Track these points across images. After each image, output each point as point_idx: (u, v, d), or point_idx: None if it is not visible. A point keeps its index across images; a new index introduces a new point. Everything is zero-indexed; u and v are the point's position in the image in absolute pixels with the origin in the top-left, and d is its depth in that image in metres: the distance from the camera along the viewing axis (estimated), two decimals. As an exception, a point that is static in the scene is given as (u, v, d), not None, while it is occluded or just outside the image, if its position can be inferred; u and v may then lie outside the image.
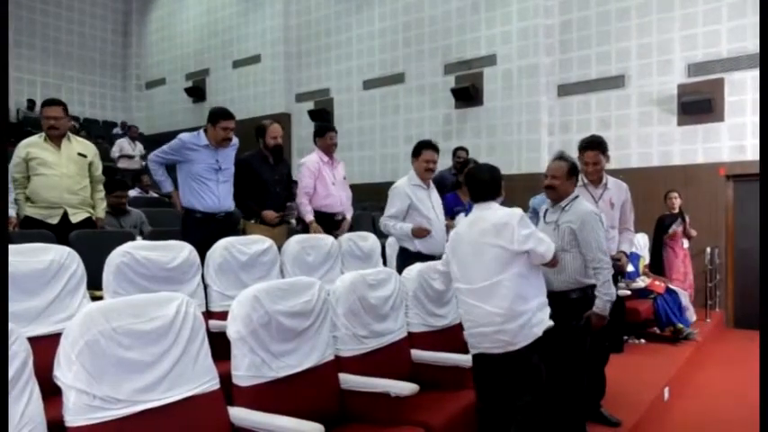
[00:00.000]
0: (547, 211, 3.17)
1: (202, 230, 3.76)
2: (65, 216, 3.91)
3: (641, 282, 5.84)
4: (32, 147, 3.90)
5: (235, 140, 4.02)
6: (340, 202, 4.62)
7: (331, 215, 4.55)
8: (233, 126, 3.92)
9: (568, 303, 2.95)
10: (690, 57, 7.40)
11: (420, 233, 3.76)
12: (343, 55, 10.45)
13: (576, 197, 3.07)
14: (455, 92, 8.93)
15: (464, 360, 2.83)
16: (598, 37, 8.06)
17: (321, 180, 4.53)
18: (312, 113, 10.53)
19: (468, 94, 8.84)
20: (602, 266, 2.90)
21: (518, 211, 2.53)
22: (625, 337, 5.54)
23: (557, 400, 2.92)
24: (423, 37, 9.49)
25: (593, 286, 2.95)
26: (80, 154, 4.04)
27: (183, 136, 3.93)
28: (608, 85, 7.98)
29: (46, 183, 3.86)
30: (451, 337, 3.20)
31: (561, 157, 3.13)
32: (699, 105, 7.23)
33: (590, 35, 8.12)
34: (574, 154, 3.29)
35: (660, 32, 7.60)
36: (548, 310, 2.57)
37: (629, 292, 5.10)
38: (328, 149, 4.63)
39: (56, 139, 3.93)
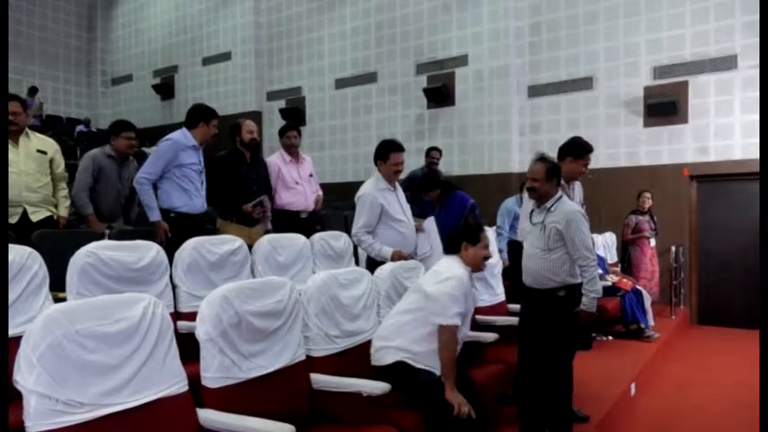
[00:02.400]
0: (533, 211, 3.20)
1: (180, 230, 3.71)
2: (24, 215, 3.79)
3: (609, 279, 5.95)
4: None
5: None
6: (305, 199, 4.64)
7: (295, 213, 4.57)
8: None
9: (556, 301, 3.04)
10: (655, 60, 7.57)
11: (399, 257, 3.60)
12: (315, 53, 10.39)
13: (560, 197, 3.11)
14: (427, 92, 8.97)
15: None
16: (567, 39, 8.18)
17: (281, 179, 4.57)
18: (284, 112, 10.44)
19: (440, 95, 8.88)
20: (589, 264, 2.99)
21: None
22: (593, 334, 5.64)
23: (544, 395, 3.02)
24: (395, 36, 9.50)
25: (579, 285, 3.06)
26: (39, 151, 3.91)
27: (173, 136, 3.88)
28: (577, 87, 8.11)
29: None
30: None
31: (540, 158, 3.17)
32: (664, 107, 7.41)
33: (559, 37, 8.24)
34: (550, 154, 3.32)
35: (627, 36, 7.76)
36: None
37: (600, 294, 5.17)
38: (289, 149, 4.67)
39: (14, 135, 3.80)
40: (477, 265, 2.85)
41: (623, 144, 7.81)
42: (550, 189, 3.10)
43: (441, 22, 9.02)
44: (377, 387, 2.41)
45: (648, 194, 6.96)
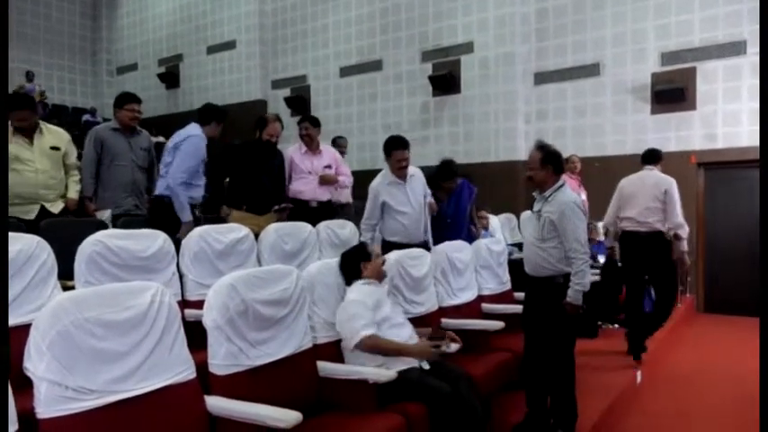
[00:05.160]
0: (535, 198, 3.19)
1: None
2: (42, 208, 3.85)
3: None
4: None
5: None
6: (314, 189, 4.68)
7: (305, 202, 4.62)
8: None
9: (554, 287, 3.04)
10: (663, 46, 7.49)
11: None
12: (320, 41, 10.34)
13: (560, 187, 3.08)
14: (432, 79, 8.91)
15: (445, 345, 2.86)
16: (574, 25, 8.11)
17: (294, 169, 4.64)
18: (289, 101, 10.42)
19: (445, 82, 8.83)
20: (577, 257, 2.95)
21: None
22: (599, 323, 5.64)
23: (548, 382, 3.06)
24: (399, 24, 9.44)
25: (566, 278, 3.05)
26: (53, 147, 3.94)
27: (197, 132, 3.99)
28: (583, 74, 8.04)
29: (19, 180, 3.74)
30: (428, 324, 3.22)
31: (537, 146, 3.16)
32: (671, 94, 7.34)
33: (566, 23, 8.16)
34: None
35: (634, 21, 7.68)
36: None
37: (598, 278, 5.18)
38: (303, 140, 4.72)
39: (27, 133, 3.82)
40: (380, 274, 2.91)
41: (630, 131, 7.76)
42: (546, 177, 3.07)
43: (446, 9, 8.94)
44: (383, 375, 2.43)
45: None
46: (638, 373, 4.38)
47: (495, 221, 6.52)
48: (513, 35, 8.37)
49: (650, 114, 7.61)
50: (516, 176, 7.98)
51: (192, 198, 3.98)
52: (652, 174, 4.80)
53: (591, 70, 7.99)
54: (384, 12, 9.58)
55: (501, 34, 8.46)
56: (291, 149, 4.73)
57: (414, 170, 4.07)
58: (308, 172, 4.65)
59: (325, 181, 4.70)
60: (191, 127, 4.02)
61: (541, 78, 8.36)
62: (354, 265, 2.85)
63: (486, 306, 3.97)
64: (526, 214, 3.23)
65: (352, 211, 5.31)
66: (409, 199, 3.95)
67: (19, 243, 2.46)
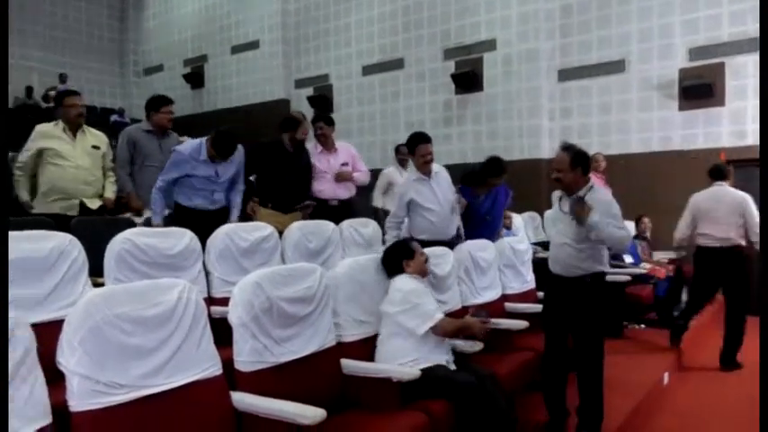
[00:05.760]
0: (561, 199, 3.16)
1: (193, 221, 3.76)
2: (81, 206, 3.96)
3: (642, 268, 5.85)
4: (48, 138, 3.91)
5: (240, 151, 3.97)
6: (333, 188, 4.71)
7: (324, 201, 4.65)
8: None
9: (584, 287, 3.04)
10: (691, 41, 7.34)
11: None
12: (342, 40, 10.37)
13: (592, 186, 3.07)
14: (455, 77, 8.87)
15: (468, 345, 2.88)
16: (598, 21, 7.99)
17: (313, 169, 4.64)
18: (311, 99, 10.46)
19: (468, 80, 8.78)
20: (623, 233, 3.02)
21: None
22: (624, 323, 5.57)
23: (580, 378, 3.06)
24: (422, 22, 9.41)
25: (604, 273, 3.12)
26: (94, 146, 4.06)
27: (182, 148, 3.83)
28: (609, 70, 7.92)
29: (62, 174, 3.88)
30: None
31: (564, 147, 3.11)
32: (700, 90, 7.19)
33: (590, 19, 8.05)
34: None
35: (661, 16, 7.54)
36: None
37: (629, 278, 5.11)
38: (318, 139, 4.74)
39: (73, 129, 3.93)
40: (423, 271, 2.97)
41: (656, 128, 7.62)
42: (576, 178, 3.03)
43: (468, 6, 8.88)
44: (407, 373, 2.43)
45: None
46: (666, 374, 4.31)
47: (518, 220, 6.47)
48: (537, 31, 8.29)
49: (678, 111, 7.47)
50: (540, 174, 7.91)
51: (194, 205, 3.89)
52: (726, 190, 4.89)
53: (616, 67, 7.87)
54: (406, 10, 9.56)
55: (524, 31, 8.39)
56: (308, 149, 4.73)
57: (438, 167, 4.09)
58: (324, 171, 4.67)
59: (340, 178, 4.71)
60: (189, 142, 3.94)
61: (566, 75, 8.26)
62: (397, 262, 2.87)
63: (509, 305, 3.95)
64: (550, 214, 3.20)
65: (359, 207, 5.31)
66: (436, 196, 3.99)
67: (52, 241, 2.53)
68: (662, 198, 7.00)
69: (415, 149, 3.95)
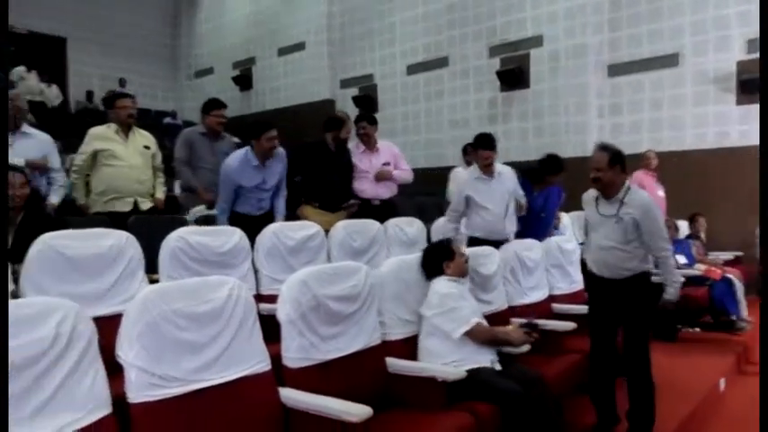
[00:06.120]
0: (598, 200, 3.09)
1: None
2: (134, 204, 4.11)
3: (697, 269, 5.64)
4: (102, 139, 4.07)
5: (282, 155, 4.01)
6: (375, 188, 4.73)
7: (366, 201, 4.67)
8: (275, 134, 3.84)
9: (632, 288, 3.02)
10: (749, 32, 7.01)
11: None
12: (387, 40, 10.39)
13: (629, 187, 3.03)
14: (500, 74, 8.77)
15: (512, 348, 2.84)
16: (649, 14, 7.73)
17: (355, 168, 4.68)
18: (356, 99, 10.54)
19: (513, 77, 8.66)
20: (668, 254, 3.01)
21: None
22: (678, 326, 5.38)
23: (631, 380, 3.02)
24: (467, 19, 9.33)
25: (649, 272, 3.06)
26: (145, 147, 4.22)
27: (228, 161, 3.84)
28: (661, 64, 7.66)
29: (117, 173, 4.04)
30: (499, 322, 3.18)
31: (601, 147, 3.08)
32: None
33: (640, 12, 7.80)
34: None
35: (716, 7, 7.24)
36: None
37: (683, 279, 4.93)
38: (361, 138, 4.75)
39: (125, 130, 4.10)
40: (464, 272, 2.95)
41: (712, 124, 7.33)
42: (615, 178, 2.99)
43: (514, 3, 8.75)
44: (452, 373, 2.43)
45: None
46: (722, 380, 4.15)
47: (566, 219, 6.34)
48: (585, 26, 8.10)
49: (735, 105, 7.16)
50: (587, 173, 7.71)
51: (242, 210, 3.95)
52: None
53: (669, 60, 7.60)
54: (451, 8, 9.51)
55: (571, 26, 8.21)
56: (350, 148, 4.77)
57: (503, 169, 4.10)
58: (366, 171, 4.69)
59: (380, 177, 4.72)
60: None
61: (615, 70, 8.04)
62: (437, 263, 2.87)
63: (556, 306, 3.88)
64: (588, 216, 3.12)
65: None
66: (494, 195, 4.03)
67: (110, 239, 2.65)
68: (717, 196, 6.74)
69: (477, 151, 4.11)
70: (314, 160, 4.37)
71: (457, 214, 4.14)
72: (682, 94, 7.55)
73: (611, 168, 2.98)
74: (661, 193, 6.37)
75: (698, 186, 7.04)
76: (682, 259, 5.77)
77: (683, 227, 6.47)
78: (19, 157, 3.65)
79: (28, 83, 10.14)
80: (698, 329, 5.53)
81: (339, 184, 4.41)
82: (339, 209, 4.36)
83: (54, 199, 4.03)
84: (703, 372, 4.23)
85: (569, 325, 3.36)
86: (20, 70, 10.31)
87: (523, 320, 3.04)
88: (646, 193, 3.10)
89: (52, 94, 10.96)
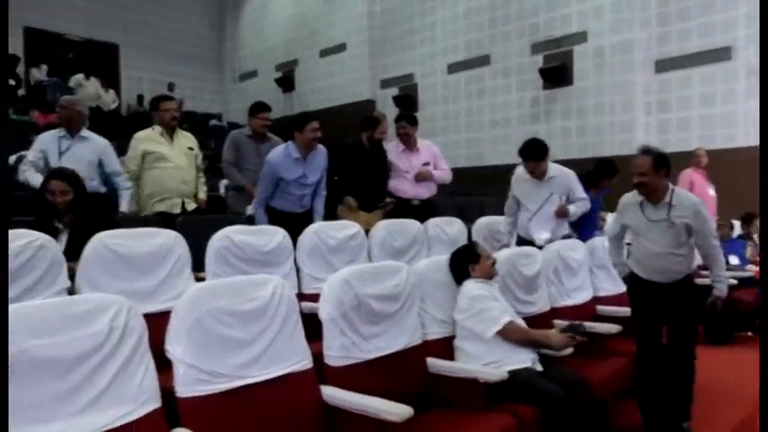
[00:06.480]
0: (642, 206, 3.01)
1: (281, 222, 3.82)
2: (182, 205, 4.22)
3: (749, 270, 5.42)
4: (148, 141, 4.19)
5: (323, 153, 4.03)
6: (414, 188, 4.71)
7: (406, 201, 4.67)
8: (318, 126, 3.88)
9: (682, 290, 3.00)
10: (809, 23, 6.70)
11: None
12: (427, 39, 10.37)
13: (674, 190, 2.97)
14: (543, 72, 8.64)
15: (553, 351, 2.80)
16: (700, 7, 7.48)
17: (394, 168, 4.68)
18: (397, 99, 10.56)
19: (557, 74, 8.52)
20: (718, 251, 3.03)
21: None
22: (732, 330, 5.18)
23: (673, 386, 2.99)
24: (509, 16, 9.22)
25: (692, 275, 3.07)
26: (189, 148, 4.34)
27: (271, 156, 3.88)
28: (712, 59, 7.41)
29: (165, 175, 4.15)
30: (542, 324, 3.13)
31: (644, 151, 3.01)
32: (820, 77, 6.55)
33: (690, 5, 7.56)
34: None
35: (774, -2, 6.95)
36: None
37: (735, 282, 4.75)
38: (401, 138, 4.75)
39: (169, 132, 4.22)
40: (490, 275, 2.91)
41: None
42: (659, 181, 2.93)
43: (558, -1, 8.62)
44: (493, 374, 2.41)
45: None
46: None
47: (610, 219, 6.19)
48: (632, 21, 7.89)
49: (793, 100, 6.85)
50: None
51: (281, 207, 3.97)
52: None
53: (720, 54, 7.34)
54: (492, 5, 9.41)
55: (617, 21, 8.01)
56: (389, 148, 4.77)
57: (558, 172, 3.98)
58: (405, 170, 4.68)
59: (420, 177, 4.71)
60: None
61: (663, 66, 7.80)
62: (463, 266, 2.87)
63: (601, 308, 3.79)
64: (632, 222, 3.04)
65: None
66: (538, 198, 3.97)
67: (160, 238, 2.74)
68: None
69: (526, 162, 3.99)
70: (350, 160, 4.41)
71: (510, 211, 4.18)
72: (734, 89, 7.27)
73: (655, 172, 2.91)
74: (712, 192, 6.16)
75: (752, 185, 6.75)
76: (734, 260, 5.57)
77: (736, 226, 6.25)
78: (75, 159, 3.77)
79: (87, 90, 10.54)
80: (750, 333, 5.32)
81: (375, 183, 4.44)
82: (375, 208, 4.38)
83: (124, 206, 4.04)
84: (757, 377, 4.06)
85: (614, 327, 3.28)
86: (78, 77, 10.73)
87: (565, 323, 2.98)
88: (690, 193, 3.04)
89: (109, 99, 11.38)
